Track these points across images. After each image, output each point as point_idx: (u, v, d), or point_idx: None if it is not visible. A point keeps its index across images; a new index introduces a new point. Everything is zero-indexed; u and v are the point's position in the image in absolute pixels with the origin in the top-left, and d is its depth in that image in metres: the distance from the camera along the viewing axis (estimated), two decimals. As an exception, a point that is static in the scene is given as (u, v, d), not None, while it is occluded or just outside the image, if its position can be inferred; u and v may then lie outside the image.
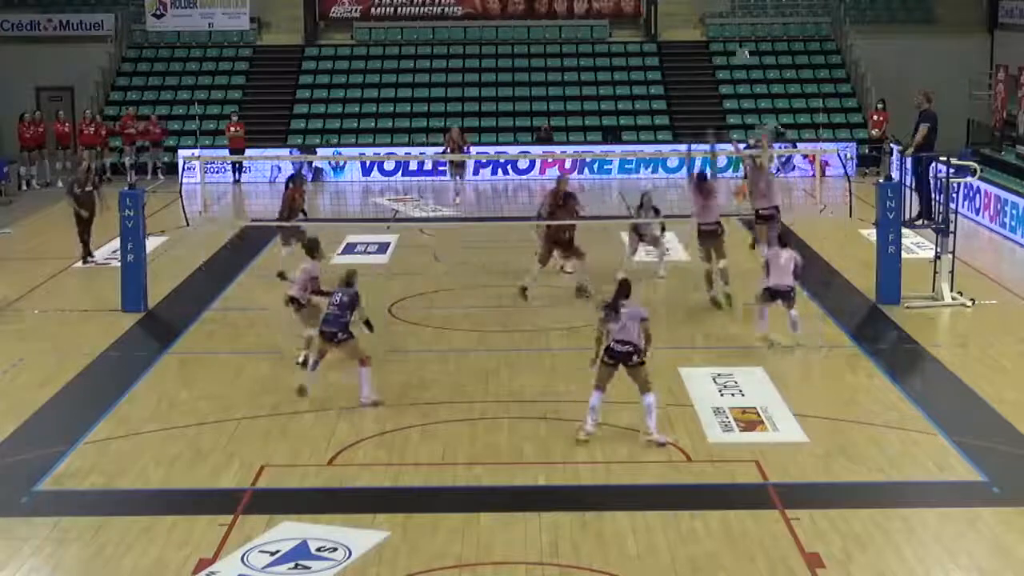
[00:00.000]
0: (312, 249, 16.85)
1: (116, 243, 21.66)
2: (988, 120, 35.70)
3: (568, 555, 11.36)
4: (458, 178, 31.35)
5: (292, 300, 16.67)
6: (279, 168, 32.89)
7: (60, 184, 34.32)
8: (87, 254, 23.95)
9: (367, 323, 15.78)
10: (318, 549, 11.46)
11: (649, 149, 35.04)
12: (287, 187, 22.53)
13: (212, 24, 39.81)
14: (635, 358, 14.11)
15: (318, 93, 38.65)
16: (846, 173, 23.78)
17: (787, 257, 17.81)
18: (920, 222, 21.23)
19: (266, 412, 15.40)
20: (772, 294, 17.81)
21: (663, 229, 22.29)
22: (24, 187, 34.07)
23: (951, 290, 20.29)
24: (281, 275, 17.60)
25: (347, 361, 15.78)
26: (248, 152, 34.26)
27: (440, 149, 32.57)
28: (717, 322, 19.54)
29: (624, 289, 14.22)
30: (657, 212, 21.97)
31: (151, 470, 13.58)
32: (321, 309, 15.95)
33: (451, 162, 31.24)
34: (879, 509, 12.28)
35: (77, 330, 19.32)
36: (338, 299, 15.33)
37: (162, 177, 34.31)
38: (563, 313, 19.93)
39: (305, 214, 22.81)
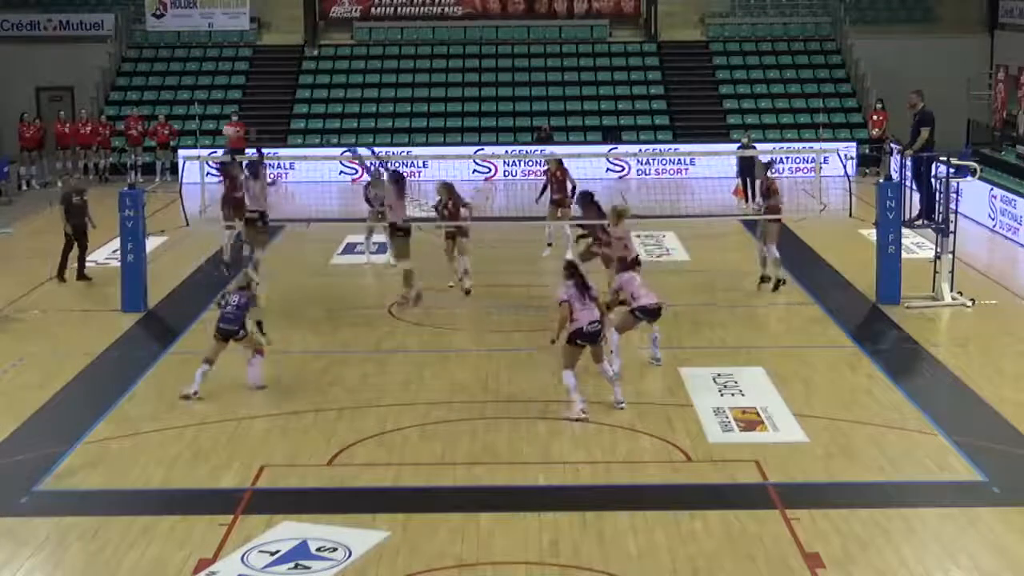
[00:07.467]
0: None
1: (116, 243, 21.66)
2: (988, 120, 35.69)
3: (568, 555, 11.35)
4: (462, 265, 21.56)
5: None
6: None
7: (59, 184, 34.38)
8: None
9: (259, 324, 17.18)
10: (318, 549, 11.46)
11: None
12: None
13: (212, 24, 39.81)
14: (601, 333, 15.01)
15: (318, 93, 38.66)
16: (846, 173, 23.73)
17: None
18: (920, 222, 21.22)
19: (266, 412, 15.40)
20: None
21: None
22: (24, 187, 34.05)
23: (951, 290, 20.29)
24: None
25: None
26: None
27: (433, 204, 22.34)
28: (717, 322, 19.54)
29: (577, 272, 14.97)
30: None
31: (151, 470, 13.57)
32: None
33: (446, 233, 21.55)
34: (879, 509, 12.27)
35: (77, 330, 19.31)
36: (236, 300, 16.12)
37: (169, 178, 34.26)
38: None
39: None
